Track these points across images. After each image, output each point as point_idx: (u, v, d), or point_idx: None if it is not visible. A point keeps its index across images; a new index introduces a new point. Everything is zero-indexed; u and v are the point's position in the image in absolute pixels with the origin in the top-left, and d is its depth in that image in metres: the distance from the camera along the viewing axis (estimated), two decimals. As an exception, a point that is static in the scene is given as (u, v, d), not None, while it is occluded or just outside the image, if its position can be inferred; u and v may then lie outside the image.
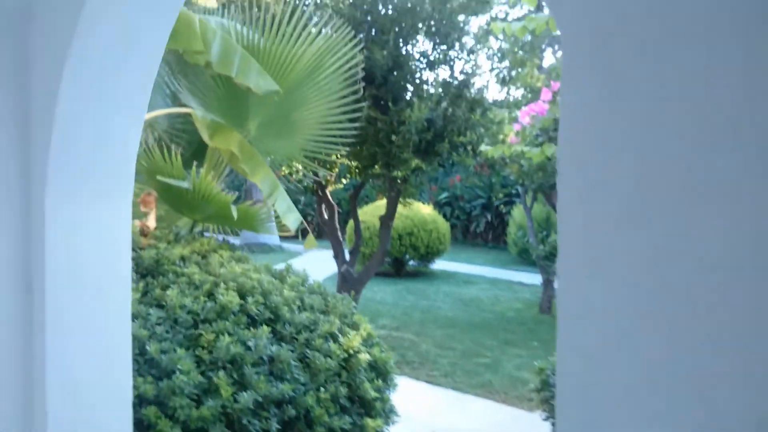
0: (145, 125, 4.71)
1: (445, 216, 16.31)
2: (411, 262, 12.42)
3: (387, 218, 7.32)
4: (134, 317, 3.07)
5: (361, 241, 7.74)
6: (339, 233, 7.77)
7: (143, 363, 3.00)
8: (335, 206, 7.84)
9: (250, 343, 3.21)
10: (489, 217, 17.18)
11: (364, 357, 3.64)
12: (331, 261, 7.77)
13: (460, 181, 17.81)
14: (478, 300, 10.27)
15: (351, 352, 3.61)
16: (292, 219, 4.54)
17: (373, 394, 3.62)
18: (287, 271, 4.13)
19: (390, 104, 6.04)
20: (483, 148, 3.71)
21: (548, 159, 8.00)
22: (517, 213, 14.91)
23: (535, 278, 12.37)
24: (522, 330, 8.32)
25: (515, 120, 6.10)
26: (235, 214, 3.86)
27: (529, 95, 7.37)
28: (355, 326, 3.89)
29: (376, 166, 6.93)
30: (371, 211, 12.23)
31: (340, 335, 3.63)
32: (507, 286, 11.77)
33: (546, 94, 3.60)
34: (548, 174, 9.11)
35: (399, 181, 6.79)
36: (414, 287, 11.16)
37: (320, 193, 7.80)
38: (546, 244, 9.41)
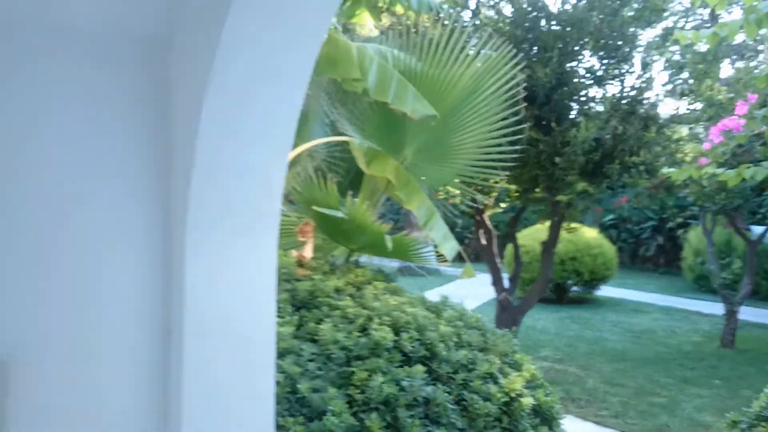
0: (304, 155, 4.75)
1: (610, 239, 15.39)
2: (574, 288, 11.79)
3: (549, 244, 6.93)
4: (287, 353, 3.01)
5: (521, 268, 7.38)
6: (497, 259, 7.48)
7: (294, 402, 2.91)
8: (493, 231, 7.56)
9: (405, 383, 3.03)
10: (660, 240, 16.00)
11: (527, 401, 3.34)
12: (487, 286, 7.48)
13: (627, 202, 16.77)
14: (650, 331, 9.48)
15: (513, 395, 3.32)
16: (449, 248, 4.34)
17: (537, 442, 3.32)
18: (443, 304, 3.93)
19: (553, 124, 5.70)
20: (665, 170, 3.31)
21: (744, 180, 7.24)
22: (694, 236, 13.74)
23: (714, 308, 11.28)
24: (702, 366, 7.52)
25: (696, 137, 5.53)
26: (389, 244, 3.73)
27: (709, 109, 6.70)
28: (516, 366, 3.61)
29: (537, 190, 6.59)
30: (530, 235, 11.77)
31: (500, 376, 3.36)
32: (683, 316, 10.81)
33: (741, 108, 3.15)
34: (731, 195, 8.26)
35: (562, 205, 6.39)
36: (578, 315, 10.55)
37: (478, 217, 7.56)
38: (729, 271, 8.51)
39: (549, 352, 8.11)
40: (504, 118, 4.66)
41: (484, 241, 7.57)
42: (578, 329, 9.51)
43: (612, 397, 6.30)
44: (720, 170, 3.26)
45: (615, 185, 5.96)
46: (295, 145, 4.61)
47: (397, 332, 3.32)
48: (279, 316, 3.25)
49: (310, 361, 3.08)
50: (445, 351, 3.43)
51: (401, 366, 3.17)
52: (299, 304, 3.40)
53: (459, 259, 6.27)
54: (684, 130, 5.86)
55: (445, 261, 4.19)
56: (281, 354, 3.09)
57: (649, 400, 6.21)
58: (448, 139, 4.61)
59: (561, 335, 9.08)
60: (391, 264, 4.74)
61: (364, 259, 4.53)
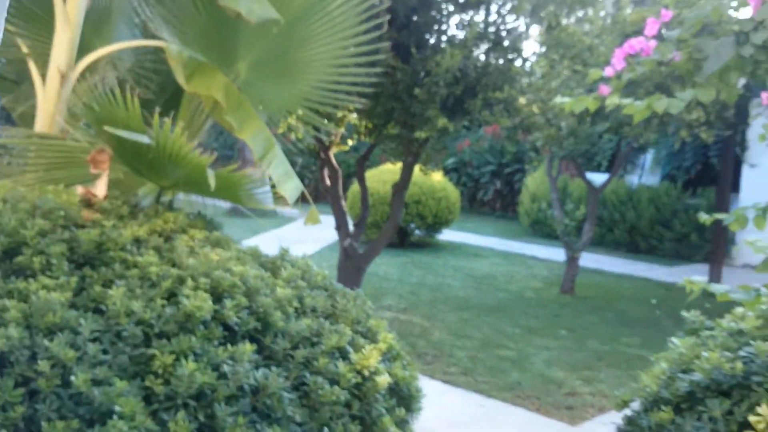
0: (103, 61, 3.68)
1: (451, 182, 15.30)
2: (416, 232, 11.46)
3: (401, 186, 6.33)
4: (58, 329, 2.11)
5: (371, 217, 6.75)
6: (342, 202, 6.79)
7: (67, 399, 2.03)
8: (339, 171, 6.85)
9: (226, 368, 2.24)
10: (498, 185, 16.18)
11: (383, 380, 2.68)
12: (328, 230, 6.80)
13: (469, 145, 16.76)
14: (492, 277, 9.33)
15: (366, 373, 2.65)
16: (290, 188, 3.55)
17: (393, 430, 2.69)
18: (282, 259, 3.16)
19: (413, 50, 5.00)
20: (558, 100, 2.75)
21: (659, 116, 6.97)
22: (531, 182, 13.92)
23: (550, 252, 11.46)
24: (545, 315, 7.40)
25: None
26: (212, 181, 2.87)
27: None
28: (371, 335, 2.94)
29: (390, 125, 5.92)
30: (374, 176, 11.22)
31: (351, 350, 2.67)
32: (520, 260, 10.84)
33: (652, 28, 2.62)
34: (579, 140, 8.11)
35: (419, 143, 5.78)
36: (420, 260, 10.22)
37: (323, 155, 6.80)
38: (572, 217, 8.46)
39: (392, 300, 7.64)
40: (359, 34, 3.88)
41: (328, 182, 6.84)
42: (421, 275, 9.15)
43: (459, 350, 5.91)
44: (627, 101, 2.70)
45: (475, 123, 5.42)
46: (92, 48, 3.54)
47: (218, 299, 2.50)
48: (49, 277, 2.32)
49: (92, 341, 2.19)
50: (283, 321, 2.66)
51: (223, 345, 2.37)
52: (81, 260, 2.47)
53: (300, 200, 5.47)
54: (549, 66, 5.41)
55: (285, 204, 3.41)
56: (49, 331, 2.19)
57: (497, 354, 5.89)
58: (292, 53, 3.74)
59: (404, 282, 8.66)
60: (219, 205, 3.89)
61: (185, 200, 3.63)
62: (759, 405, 2.06)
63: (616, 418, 4.78)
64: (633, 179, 13.05)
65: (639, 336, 6.75)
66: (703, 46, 2.54)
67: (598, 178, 9.82)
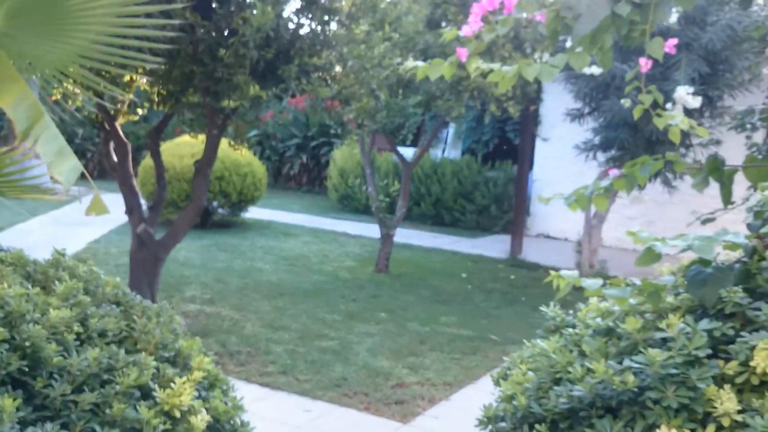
0: None
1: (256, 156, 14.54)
2: (220, 211, 10.63)
3: (204, 163, 5.57)
4: None
5: (168, 196, 5.93)
6: (134, 181, 5.90)
7: None
8: (129, 145, 5.92)
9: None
10: (304, 159, 15.68)
11: (201, 420, 2.07)
12: (118, 209, 5.86)
13: (272, 117, 16.05)
14: (304, 257, 8.85)
15: (177, 414, 2.03)
16: (67, 170, 2.75)
17: (216, 486, 2.12)
18: (56, 266, 2.39)
19: (215, 5, 4.28)
20: (409, 64, 2.29)
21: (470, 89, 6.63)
22: (339, 155, 13.60)
23: (360, 228, 11.23)
24: (363, 297, 7.07)
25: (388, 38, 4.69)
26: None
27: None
28: (181, 361, 2.29)
29: (189, 92, 5.15)
30: (171, 150, 10.21)
31: (156, 387, 2.03)
32: (332, 237, 10.47)
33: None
34: (393, 113, 7.85)
35: (225, 114, 5.07)
36: (225, 242, 9.46)
37: (108, 126, 5.83)
38: (390, 195, 8.21)
39: (196, 290, 6.87)
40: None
41: (115, 158, 5.89)
42: (227, 259, 8.43)
43: (276, 345, 5.36)
44: (495, 65, 2.29)
45: (290, 92, 4.82)
46: None
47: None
48: None
49: None
50: (60, 355, 1.97)
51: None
52: None
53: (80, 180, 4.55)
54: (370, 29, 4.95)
55: (57, 194, 2.63)
56: None
57: (318, 345, 5.42)
58: (62, -4, 2.90)
59: (208, 267, 7.89)
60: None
61: None
62: (658, 427, 1.78)
63: (447, 409, 4.55)
64: (437, 153, 13.21)
65: (455, 314, 6.66)
66: (573, 3, 2.19)
67: (405, 152, 9.68)
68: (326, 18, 4.60)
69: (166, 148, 10.15)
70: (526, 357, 2.72)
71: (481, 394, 4.79)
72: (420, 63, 2.40)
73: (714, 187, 2.53)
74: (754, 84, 7.44)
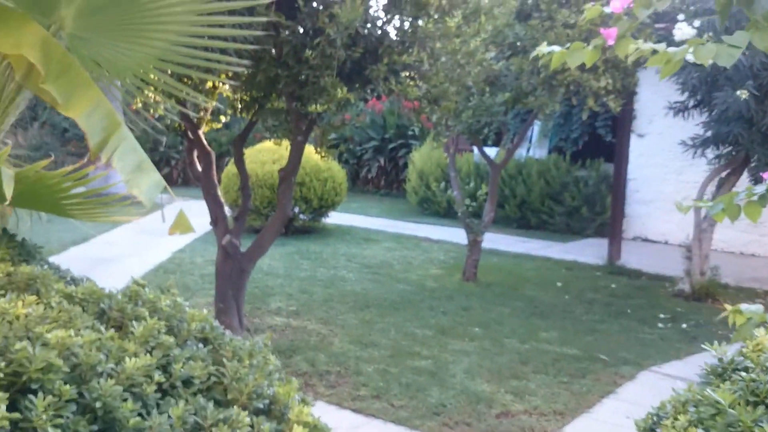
0: None
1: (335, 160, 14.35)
2: (301, 217, 10.43)
3: (289, 171, 5.29)
4: None
5: (251, 204, 5.70)
6: (218, 190, 5.68)
7: None
8: (213, 154, 5.72)
9: None
10: (382, 161, 15.38)
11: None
12: (201, 216, 5.65)
13: (349, 120, 15.82)
14: (387, 265, 8.51)
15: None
16: (147, 186, 2.49)
17: None
18: (134, 300, 2.08)
19: (300, 2, 3.96)
20: (545, 49, 1.84)
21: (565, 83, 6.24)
22: (418, 157, 13.21)
23: (442, 233, 10.82)
24: (453, 309, 6.65)
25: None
26: (8, 187, 1.77)
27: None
28: (278, 413, 1.95)
29: (273, 97, 4.88)
30: (252, 157, 10.07)
31: (250, 451, 1.69)
32: (414, 243, 10.10)
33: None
34: (479, 113, 7.40)
35: (310, 119, 4.76)
36: (308, 249, 9.22)
37: (191, 134, 5.64)
38: (476, 198, 7.77)
39: (281, 302, 6.62)
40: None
41: (200, 167, 5.69)
42: (311, 267, 8.17)
43: (367, 364, 5.02)
44: (659, 46, 1.87)
45: (377, 92, 4.47)
46: None
47: (22, 392, 1.46)
48: None
49: None
50: (138, 416, 1.66)
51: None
52: None
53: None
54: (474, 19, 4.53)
55: (134, 215, 2.35)
56: None
57: (411, 365, 5.05)
58: (139, -5, 2.63)
59: (292, 277, 7.65)
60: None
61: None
62: None
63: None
64: (521, 152, 12.64)
65: (556, 329, 6.16)
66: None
67: (488, 153, 9.20)
68: (416, 12, 4.21)
69: (248, 154, 10.03)
70: (681, 402, 2.25)
71: (598, 426, 4.32)
72: (555, 48, 2.00)
73: None
74: None
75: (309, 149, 10.51)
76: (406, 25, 4.20)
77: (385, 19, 4.20)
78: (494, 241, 10.05)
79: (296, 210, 10.14)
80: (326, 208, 10.42)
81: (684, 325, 6.48)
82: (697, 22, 6.13)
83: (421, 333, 5.82)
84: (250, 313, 6.11)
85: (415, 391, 4.55)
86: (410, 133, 15.10)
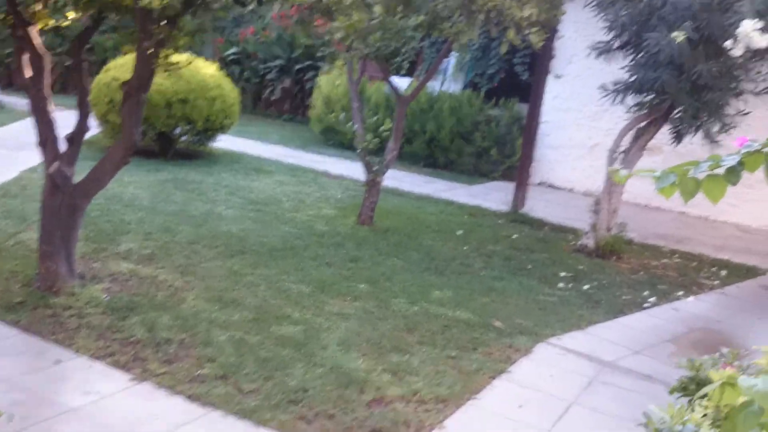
0: None
1: (232, 77, 13.03)
2: (183, 138, 9.25)
3: (135, 86, 4.21)
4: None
5: (89, 121, 4.60)
6: (49, 104, 4.55)
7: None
8: (48, 57, 4.56)
9: None
10: (287, 83, 14.18)
11: None
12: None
13: (253, 34, 14.45)
14: (276, 201, 7.58)
15: None
16: None
17: None
18: None
19: None
20: None
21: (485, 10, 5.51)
22: (325, 82, 12.13)
23: (344, 167, 9.95)
24: (341, 259, 5.85)
25: None
26: None
27: None
28: None
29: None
30: (127, 66, 8.73)
31: None
32: (311, 177, 9.18)
33: None
34: (388, 36, 6.45)
35: (157, 21, 3.69)
36: (186, 178, 8.14)
37: (20, 31, 4.46)
38: (377, 134, 6.90)
39: (135, 242, 5.60)
40: None
41: (28, 72, 4.53)
42: (184, 200, 7.14)
43: (220, 331, 4.14)
44: None
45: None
46: None
47: None
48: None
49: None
50: None
51: None
52: None
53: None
54: None
55: None
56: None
57: (276, 333, 4.21)
58: None
59: (158, 211, 6.60)
60: None
61: None
62: None
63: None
64: (434, 85, 11.76)
65: (451, 287, 5.47)
66: None
67: (399, 83, 8.31)
68: None
69: (123, 63, 8.70)
70: None
71: (485, 418, 3.66)
72: None
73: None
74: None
75: (198, 64, 9.28)
76: None
77: None
78: (398, 179, 9.27)
79: (177, 130, 8.96)
80: (213, 131, 9.29)
81: (586, 286, 5.94)
82: None
83: (296, 289, 4.98)
84: (92, 255, 5.09)
85: (274, 369, 3.73)
86: (320, 53, 13.91)
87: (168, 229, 6.03)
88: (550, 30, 7.42)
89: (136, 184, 7.41)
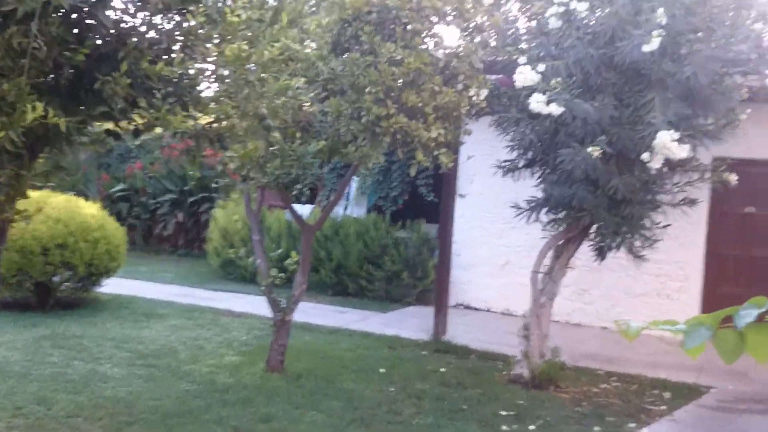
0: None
1: (119, 216, 12.16)
2: (63, 286, 8.26)
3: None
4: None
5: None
6: None
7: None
8: None
9: None
10: (180, 217, 13.43)
11: None
12: None
13: (141, 168, 13.76)
14: (171, 352, 6.68)
15: None
16: None
17: None
18: None
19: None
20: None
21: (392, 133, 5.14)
22: (221, 214, 11.50)
23: (247, 303, 9.19)
24: (249, 418, 5.02)
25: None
26: None
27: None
28: None
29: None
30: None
31: None
32: (210, 318, 8.34)
33: None
34: (288, 164, 6.02)
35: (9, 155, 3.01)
36: (66, 332, 7.12)
37: None
38: (285, 269, 6.27)
39: (0, 422, 4.60)
40: None
41: None
42: (63, 360, 6.14)
43: None
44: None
45: (119, 118, 2.86)
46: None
47: None
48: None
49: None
50: None
51: None
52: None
53: None
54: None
55: None
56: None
57: None
58: None
59: (31, 377, 5.59)
60: None
61: None
62: None
63: None
64: (338, 211, 11.39)
65: (382, 440, 4.76)
66: None
67: (301, 211, 7.84)
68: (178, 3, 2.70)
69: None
70: None
71: None
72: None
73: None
74: (727, 131, 6.12)
75: (78, 203, 8.48)
76: (161, 19, 2.68)
77: (124, 8, 2.65)
78: (307, 312, 8.56)
79: (56, 278, 7.99)
80: (97, 275, 8.36)
81: (532, 426, 5.36)
82: (541, 67, 4.83)
83: (198, 467, 4.12)
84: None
85: None
86: (215, 185, 13.34)
87: (43, 400, 5.03)
88: (454, 150, 7.24)
89: (7, 345, 6.37)
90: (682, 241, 8.86)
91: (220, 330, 7.79)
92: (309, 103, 6.07)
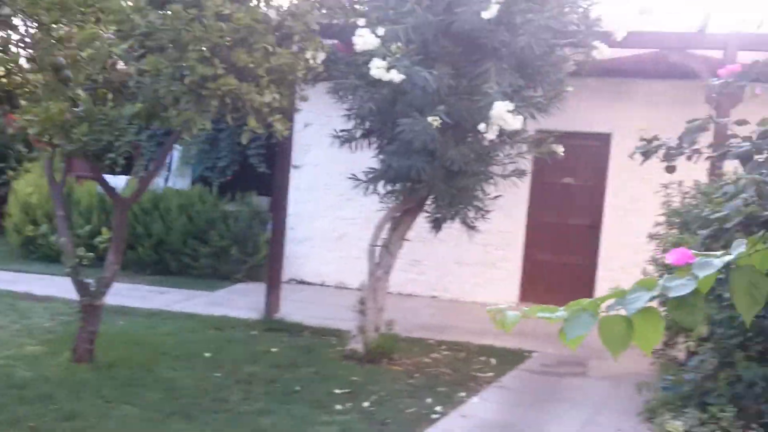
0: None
1: None
2: None
3: None
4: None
5: None
6: None
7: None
8: None
9: None
10: (-27, 188, 11.79)
11: None
12: None
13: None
14: (-45, 345, 5.72)
15: None
16: None
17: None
18: None
19: None
20: None
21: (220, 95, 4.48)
22: (23, 186, 10.20)
23: (51, 285, 8.23)
24: (50, 417, 4.34)
25: None
26: None
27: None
28: None
29: None
30: None
31: None
32: (9, 303, 7.34)
33: None
34: (98, 129, 5.29)
35: None
36: None
37: None
38: (94, 246, 5.54)
39: None
40: None
41: None
42: None
43: None
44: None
45: None
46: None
47: None
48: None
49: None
50: None
51: None
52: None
53: None
54: None
55: None
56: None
57: None
58: None
59: None
60: None
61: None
62: None
63: None
64: (158, 182, 10.51)
65: (207, 433, 4.31)
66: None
67: (114, 182, 7.08)
68: None
69: None
70: None
71: None
72: None
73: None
74: (555, 104, 6.21)
75: None
76: None
77: None
78: (122, 294, 7.73)
79: None
80: None
81: (366, 403, 5.15)
82: (381, 31, 4.42)
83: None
84: None
85: None
86: (16, 153, 11.84)
87: None
88: (290, 117, 6.82)
89: None
90: (506, 212, 9.10)
91: (19, 316, 6.85)
92: (123, 61, 5.38)
